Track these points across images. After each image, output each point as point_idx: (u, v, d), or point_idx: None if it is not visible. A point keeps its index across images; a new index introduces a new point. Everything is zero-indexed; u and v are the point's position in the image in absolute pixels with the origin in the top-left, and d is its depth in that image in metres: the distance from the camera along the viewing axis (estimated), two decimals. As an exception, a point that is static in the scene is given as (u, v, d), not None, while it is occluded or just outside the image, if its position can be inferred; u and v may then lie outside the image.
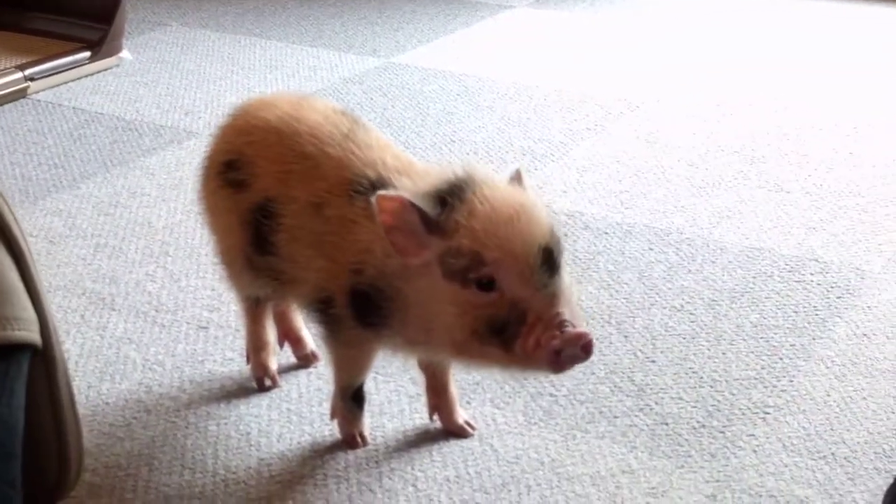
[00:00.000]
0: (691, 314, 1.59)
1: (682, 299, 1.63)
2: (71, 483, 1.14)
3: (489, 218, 1.06)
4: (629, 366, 1.47)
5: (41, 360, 1.08)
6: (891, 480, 1.14)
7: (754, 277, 1.70)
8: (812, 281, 1.69)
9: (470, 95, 2.46)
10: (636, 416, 1.37)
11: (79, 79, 2.52)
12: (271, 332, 1.41)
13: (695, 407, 1.39)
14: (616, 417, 1.36)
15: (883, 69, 2.71)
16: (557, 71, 2.64)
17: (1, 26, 2.72)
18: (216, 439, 1.31)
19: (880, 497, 1.21)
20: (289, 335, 1.45)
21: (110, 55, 2.59)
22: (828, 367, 1.47)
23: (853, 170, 2.10)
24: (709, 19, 3.11)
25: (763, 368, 1.47)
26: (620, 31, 2.99)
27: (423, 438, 1.32)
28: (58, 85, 2.47)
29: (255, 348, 1.40)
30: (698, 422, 1.36)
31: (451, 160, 2.10)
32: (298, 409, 1.37)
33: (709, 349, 1.51)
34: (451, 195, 1.08)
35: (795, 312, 1.60)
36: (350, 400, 1.28)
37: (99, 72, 2.56)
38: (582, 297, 1.60)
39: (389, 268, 1.11)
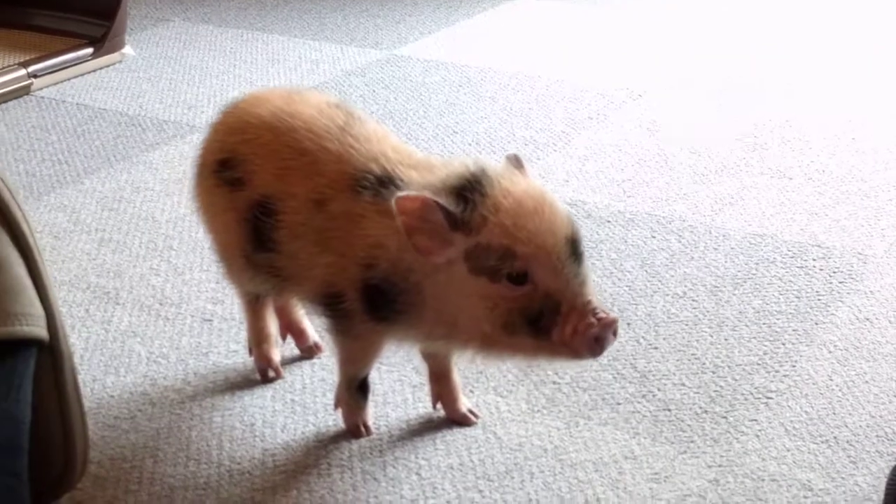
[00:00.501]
0: (694, 301, 1.59)
1: (685, 286, 1.63)
2: (77, 475, 1.15)
3: (516, 212, 1.07)
4: (632, 353, 1.47)
5: (48, 355, 1.09)
6: (893, 463, 1.14)
7: (757, 264, 1.70)
8: (814, 266, 1.69)
9: (472, 86, 2.47)
10: (639, 402, 1.37)
11: (82, 75, 2.52)
12: (273, 325, 1.41)
13: (697, 393, 1.39)
14: (619, 404, 1.37)
15: (884, 55, 2.71)
16: (559, 61, 2.64)
17: (4, 23, 2.72)
18: (221, 430, 1.32)
19: (882, 480, 1.21)
20: (291, 328, 1.45)
21: (113, 51, 2.59)
22: (830, 352, 1.48)
23: (855, 155, 2.10)
24: (710, 7, 3.10)
25: (765, 354, 1.47)
26: (622, 20, 2.99)
27: (427, 427, 1.33)
28: (61, 81, 2.48)
29: (258, 341, 1.41)
30: (701, 407, 1.36)
31: (454, 151, 2.11)
32: (302, 400, 1.37)
33: (711, 335, 1.51)
34: (471, 191, 1.08)
35: (798, 298, 1.60)
36: (355, 390, 1.29)
37: (102, 68, 2.57)
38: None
39: (405, 263, 1.11)
